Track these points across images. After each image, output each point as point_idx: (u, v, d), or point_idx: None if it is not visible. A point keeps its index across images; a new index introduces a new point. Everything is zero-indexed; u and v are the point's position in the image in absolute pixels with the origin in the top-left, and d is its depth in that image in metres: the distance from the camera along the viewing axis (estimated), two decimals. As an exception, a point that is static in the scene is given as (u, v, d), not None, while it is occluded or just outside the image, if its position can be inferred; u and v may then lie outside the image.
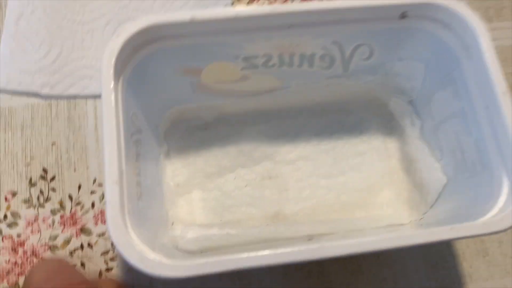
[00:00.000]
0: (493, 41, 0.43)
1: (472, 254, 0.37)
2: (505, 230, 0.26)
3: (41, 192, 0.37)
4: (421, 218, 0.36)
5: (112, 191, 0.25)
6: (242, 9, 0.29)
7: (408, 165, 0.38)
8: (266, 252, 0.25)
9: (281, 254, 0.25)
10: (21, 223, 0.36)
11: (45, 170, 0.37)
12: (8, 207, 0.36)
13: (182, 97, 0.36)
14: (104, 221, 0.36)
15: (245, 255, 0.24)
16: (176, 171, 0.37)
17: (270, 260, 0.24)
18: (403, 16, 0.32)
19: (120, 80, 0.29)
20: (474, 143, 0.31)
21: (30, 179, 0.37)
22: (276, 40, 0.32)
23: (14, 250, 0.35)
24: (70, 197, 0.37)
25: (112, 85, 0.27)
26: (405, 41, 0.34)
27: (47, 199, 0.37)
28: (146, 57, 0.30)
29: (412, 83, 0.37)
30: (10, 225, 0.36)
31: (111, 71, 0.27)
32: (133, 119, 0.30)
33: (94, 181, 0.37)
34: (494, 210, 0.28)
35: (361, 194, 0.37)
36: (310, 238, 0.33)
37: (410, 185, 0.37)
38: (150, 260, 0.24)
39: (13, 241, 0.35)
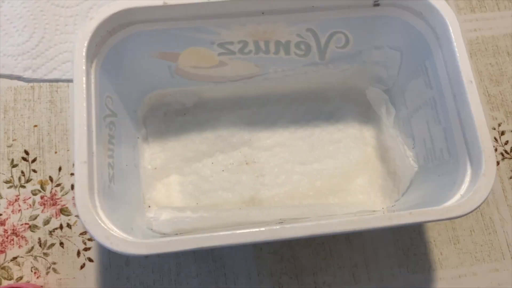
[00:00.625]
0: (474, 32, 0.44)
1: (443, 242, 0.38)
2: (463, 216, 0.26)
3: (22, 173, 0.38)
4: (393, 205, 0.36)
5: (81, 170, 0.26)
6: (214, -5, 0.30)
7: (383, 153, 0.38)
8: (232, 231, 0.25)
9: (248, 233, 0.25)
10: (2, 202, 0.37)
11: (26, 152, 0.38)
12: (-11, 187, 0.37)
13: (160, 81, 0.37)
14: (82, 202, 0.37)
15: (209, 234, 0.25)
16: (154, 155, 0.38)
17: (235, 239, 0.25)
18: (375, 3, 0.32)
19: (93, 63, 0.29)
20: (442, 132, 0.32)
21: (12, 160, 0.38)
22: (250, 26, 0.32)
23: (-6, 228, 0.36)
24: (51, 179, 0.37)
25: (84, 67, 0.28)
26: (380, 29, 0.34)
27: (28, 180, 0.37)
28: (121, 41, 0.31)
29: (389, 71, 0.37)
30: (-9, 204, 0.36)
31: (83, 53, 0.28)
32: (107, 102, 0.31)
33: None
34: (456, 197, 0.28)
35: (335, 180, 0.38)
36: (282, 222, 0.34)
37: (384, 173, 0.38)
38: (116, 237, 0.25)
39: (-7, 220, 0.36)
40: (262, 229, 0.25)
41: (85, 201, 0.25)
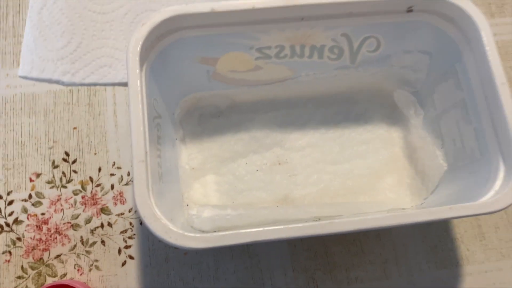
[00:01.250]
0: (494, 36, 0.45)
1: (469, 238, 0.39)
2: (500, 210, 0.28)
3: (64, 173, 0.39)
4: (422, 203, 0.38)
5: (139, 169, 0.27)
6: (258, 2, 0.31)
7: (411, 153, 0.40)
8: (279, 226, 0.27)
9: (292, 228, 0.27)
10: (45, 202, 0.38)
11: (67, 153, 0.39)
12: (33, 187, 0.38)
13: (198, 85, 0.38)
14: (123, 202, 0.38)
15: (260, 229, 0.27)
16: (191, 155, 0.39)
17: (283, 233, 0.26)
18: (409, 10, 0.34)
19: (144, 67, 0.31)
20: (473, 131, 0.33)
21: (53, 162, 0.39)
22: (289, 31, 0.34)
23: (39, 227, 0.37)
24: (91, 179, 0.39)
25: (137, 71, 0.29)
26: (411, 34, 0.36)
27: (69, 181, 0.39)
28: (168, 45, 0.32)
29: (417, 74, 0.39)
30: (34, 204, 0.38)
31: (137, 58, 0.29)
32: (154, 104, 0.32)
33: (113, 164, 0.39)
34: (491, 193, 0.30)
35: (365, 180, 0.39)
36: (317, 219, 0.35)
37: (412, 172, 0.39)
38: (174, 232, 0.26)
39: (37, 219, 0.37)
40: (312, 223, 0.27)
41: (144, 198, 0.26)
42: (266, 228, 0.27)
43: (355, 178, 0.39)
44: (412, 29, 0.35)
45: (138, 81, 0.29)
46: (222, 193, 0.38)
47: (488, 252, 0.39)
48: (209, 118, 0.40)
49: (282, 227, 0.27)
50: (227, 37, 0.33)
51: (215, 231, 0.35)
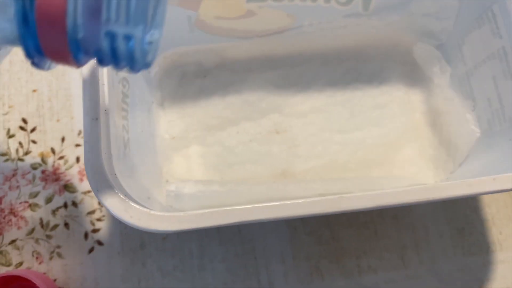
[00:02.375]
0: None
1: (502, 220, 0.33)
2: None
3: (20, 144, 0.33)
4: (448, 178, 0.32)
5: (91, 129, 0.21)
6: None
7: (434, 119, 0.33)
8: (275, 203, 0.21)
9: (291, 205, 0.21)
10: (-3, 178, 0.32)
11: (24, 120, 0.33)
12: (-18, 160, 0.32)
13: (178, 37, 0.32)
14: (90, 177, 0.32)
15: (251, 206, 0.20)
16: (172, 122, 0.33)
17: (280, 212, 0.20)
18: None
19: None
20: (516, 87, 0.27)
21: (8, 130, 0.33)
22: (288, -37, 0.27)
23: (-11, 207, 0.31)
24: (53, 151, 0.33)
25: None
26: (437, -29, 0.29)
27: (27, 152, 0.32)
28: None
29: (443, 23, 0.32)
30: (-16, 180, 0.32)
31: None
32: (119, 53, 0.26)
33: (79, 133, 0.33)
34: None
35: (380, 151, 0.33)
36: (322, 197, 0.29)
37: (436, 141, 0.33)
38: (137, 209, 0.20)
39: (-13, 198, 0.31)
40: (320, 199, 0.20)
41: (96, 165, 0.20)
42: (258, 205, 0.21)
43: (367, 148, 0.33)
44: (440, -38, 0.28)
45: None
46: (208, 167, 0.32)
47: (525, 236, 0.33)
48: (192, 78, 0.34)
49: (278, 203, 0.21)
50: (210, -30, 0.27)
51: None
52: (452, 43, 0.32)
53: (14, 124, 0.33)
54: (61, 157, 0.32)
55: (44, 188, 0.32)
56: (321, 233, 0.32)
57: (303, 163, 0.33)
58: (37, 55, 0.15)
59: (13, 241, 0.31)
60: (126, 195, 0.21)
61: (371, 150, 0.33)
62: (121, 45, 0.15)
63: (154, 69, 0.33)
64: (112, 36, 0.15)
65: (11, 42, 0.15)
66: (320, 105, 0.34)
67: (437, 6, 0.31)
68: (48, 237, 0.31)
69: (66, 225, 0.31)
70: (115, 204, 0.20)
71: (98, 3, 0.14)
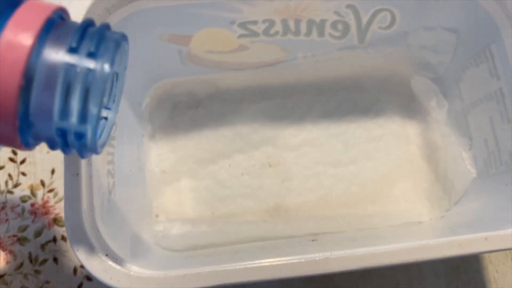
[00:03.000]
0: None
1: (499, 257, 0.32)
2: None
3: (10, 176, 0.32)
4: (443, 216, 0.31)
5: (71, 184, 0.20)
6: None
7: (431, 153, 0.33)
8: (257, 264, 0.20)
9: (276, 267, 0.20)
10: (-14, 210, 0.32)
11: (14, 152, 0.33)
12: (-30, 193, 0.32)
13: (169, 69, 0.31)
14: (80, 211, 0.31)
15: (231, 267, 0.20)
16: (163, 155, 0.32)
17: (262, 275, 0.20)
18: (434, -26, 0.26)
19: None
20: (513, 132, 0.26)
21: (-2, 161, 0.33)
22: (279, 2, 0.26)
23: (-23, 241, 0.31)
24: (42, 183, 0.32)
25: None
26: (434, 6, 0.28)
27: (16, 185, 0.32)
28: (122, 20, 0.25)
29: (440, 57, 0.31)
30: (-27, 213, 0.31)
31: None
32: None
33: (70, 164, 0.32)
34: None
35: (374, 185, 0.32)
36: (314, 238, 0.28)
37: (432, 176, 0.32)
38: (117, 270, 0.20)
39: (-24, 232, 0.31)
40: (303, 259, 0.20)
41: (76, 223, 0.20)
42: (239, 267, 0.20)
43: (361, 183, 0.32)
44: (435, 0, 0.28)
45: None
46: (199, 201, 0.32)
47: (522, 274, 0.32)
48: (185, 109, 0.33)
49: (262, 265, 0.20)
50: (200, 8, 0.26)
51: (189, 250, 0.29)
52: (450, 77, 0.32)
53: (3, 155, 0.33)
54: (51, 190, 0.32)
55: (33, 221, 0.31)
56: (313, 269, 0.32)
57: (296, 197, 0.32)
58: None
59: (1, 276, 0.30)
60: (108, 251, 0.21)
61: (365, 184, 0.32)
62: (72, 140, 0.15)
63: (145, 100, 0.32)
64: (63, 132, 0.15)
65: None
66: (313, 137, 0.33)
67: (435, 39, 0.31)
68: (37, 272, 0.31)
69: (55, 259, 0.31)
70: (95, 266, 0.20)
71: (49, 104, 0.14)
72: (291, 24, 0.28)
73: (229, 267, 0.20)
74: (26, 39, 0.14)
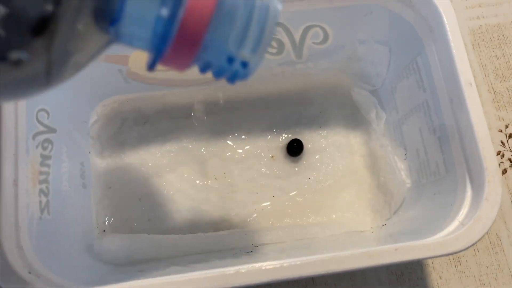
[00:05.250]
0: (477, 20, 0.38)
1: (442, 264, 0.33)
2: (460, 251, 0.21)
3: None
4: (384, 225, 0.31)
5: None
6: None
7: (372, 164, 0.33)
8: (181, 277, 0.21)
9: (203, 279, 0.21)
10: None
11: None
12: None
13: (113, 87, 0.32)
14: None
15: (153, 280, 0.21)
16: (109, 171, 0.33)
17: (196, 284, 0.20)
18: (356, -9, 0.27)
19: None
20: (437, 142, 0.27)
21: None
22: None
23: None
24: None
25: None
26: (364, 20, 0.29)
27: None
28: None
29: (377, 68, 0.32)
30: None
31: None
32: (39, 117, 0.26)
33: None
34: (454, 223, 0.23)
35: (318, 196, 0.33)
36: (250, 250, 0.29)
37: (374, 186, 0.33)
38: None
39: None
40: (230, 271, 0.21)
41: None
42: (162, 281, 0.21)
43: (306, 194, 0.33)
44: (364, 14, 0.28)
45: None
46: (143, 216, 0.32)
47: (465, 280, 0.32)
48: (132, 125, 0.34)
49: (195, 276, 0.21)
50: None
51: (130, 263, 0.30)
52: (387, 89, 0.32)
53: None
54: None
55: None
56: (259, 279, 0.32)
57: (241, 210, 0.33)
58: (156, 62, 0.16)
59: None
60: (30, 269, 0.21)
61: (309, 195, 0.33)
62: (235, 68, 0.16)
63: (92, 118, 0.33)
64: (231, 59, 0.16)
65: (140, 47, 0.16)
66: (259, 150, 0.34)
67: (369, 52, 0.31)
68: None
69: None
70: (11, 283, 0.20)
71: (229, 34, 0.16)
72: (225, 42, 0.29)
73: (150, 281, 0.21)
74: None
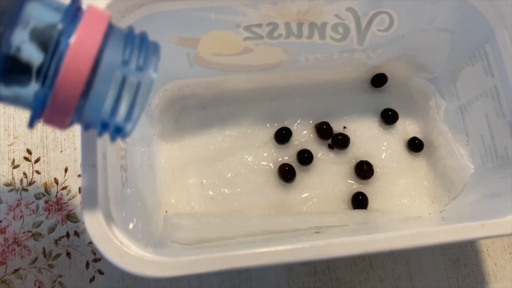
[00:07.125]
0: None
1: (497, 250, 0.33)
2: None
3: (25, 174, 0.34)
4: (442, 211, 0.32)
5: (89, 176, 0.22)
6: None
7: (430, 151, 0.34)
8: (265, 249, 0.21)
9: (282, 252, 0.21)
10: (3, 207, 0.33)
11: (29, 151, 0.34)
12: (-13, 191, 0.33)
13: (178, 71, 0.33)
14: (92, 207, 0.33)
15: (240, 252, 0.21)
16: (171, 154, 0.33)
17: (269, 259, 0.21)
18: (429, -22, 0.27)
19: (102, 49, 0.25)
20: (507, 126, 0.27)
21: (13, 161, 0.34)
22: (282, 5, 0.28)
23: (-6, 237, 0.32)
24: (56, 181, 0.34)
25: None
26: (430, 8, 0.30)
27: (31, 183, 0.33)
28: (133, 23, 0.26)
29: (436, 57, 0.33)
30: (-11, 210, 0.33)
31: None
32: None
33: (82, 163, 0.34)
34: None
35: (375, 182, 0.33)
36: (317, 230, 0.30)
37: (431, 173, 0.33)
38: (131, 256, 0.21)
39: (-8, 228, 0.32)
40: (307, 245, 0.21)
41: (94, 213, 0.21)
42: (248, 252, 0.21)
43: (362, 180, 0.34)
44: (431, 2, 0.29)
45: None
46: (206, 198, 0.33)
47: (520, 267, 0.33)
48: (192, 110, 0.35)
49: (268, 250, 0.21)
50: (206, 12, 0.27)
51: (198, 243, 0.30)
52: (447, 77, 0.33)
53: (18, 154, 0.34)
54: (64, 187, 0.33)
55: (47, 218, 0.33)
56: (316, 263, 0.33)
57: (299, 194, 0.33)
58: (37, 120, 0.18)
59: (16, 270, 0.32)
60: (121, 239, 0.22)
61: (366, 182, 0.34)
62: (111, 131, 0.19)
63: (155, 102, 0.34)
64: (105, 124, 0.18)
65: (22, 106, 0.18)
66: (314, 135, 0.34)
67: (430, 41, 0.32)
68: (50, 266, 0.32)
69: (68, 254, 0.32)
70: (111, 251, 0.21)
71: (102, 102, 0.18)
72: (294, 27, 0.30)
73: (238, 252, 0.21)
74: (94, 42, 0.17)
